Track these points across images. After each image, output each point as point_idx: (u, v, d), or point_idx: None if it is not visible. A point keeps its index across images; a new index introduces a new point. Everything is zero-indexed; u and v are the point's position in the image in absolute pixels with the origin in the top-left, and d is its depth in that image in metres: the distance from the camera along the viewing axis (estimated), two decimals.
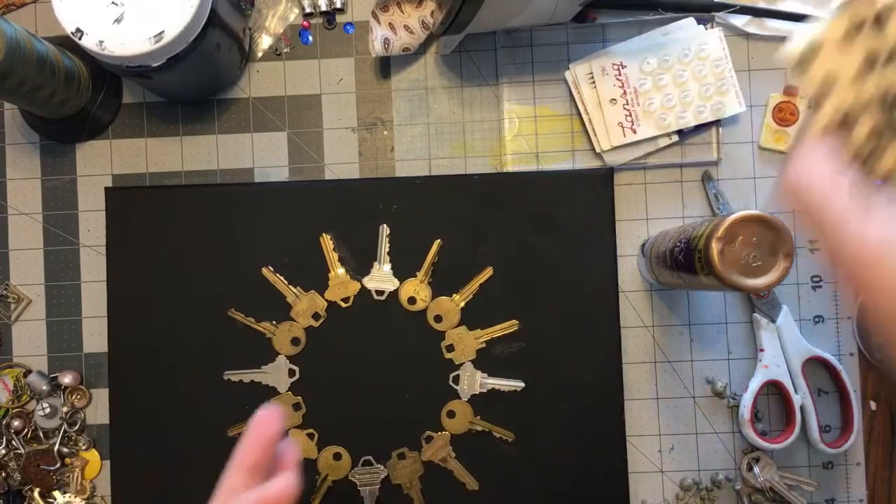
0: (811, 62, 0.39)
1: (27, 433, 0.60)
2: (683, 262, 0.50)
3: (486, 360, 0.58)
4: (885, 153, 0.37)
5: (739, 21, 0.60)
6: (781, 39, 0.61)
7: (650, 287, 0.60)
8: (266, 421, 0.42)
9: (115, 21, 0.49)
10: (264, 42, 0.61)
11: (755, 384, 0.58)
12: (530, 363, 0.58)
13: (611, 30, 0.61)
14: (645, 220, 0.60)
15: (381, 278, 0.58)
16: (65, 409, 0.59)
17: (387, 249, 0.58)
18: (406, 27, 0.59)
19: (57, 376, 0.59)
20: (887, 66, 0.37)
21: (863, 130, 0.37)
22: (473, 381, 0.58)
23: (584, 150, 0.61)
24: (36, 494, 0.59)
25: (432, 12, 0.58)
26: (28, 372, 0.60)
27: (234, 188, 0.60)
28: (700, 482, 0.60)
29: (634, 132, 0.59)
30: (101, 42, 0.49)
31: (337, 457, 0.58)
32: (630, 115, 0.59)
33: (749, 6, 0.59)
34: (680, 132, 0.59)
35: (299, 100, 0.61)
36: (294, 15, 0.61)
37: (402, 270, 0.58)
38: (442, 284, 0.58)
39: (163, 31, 0.49)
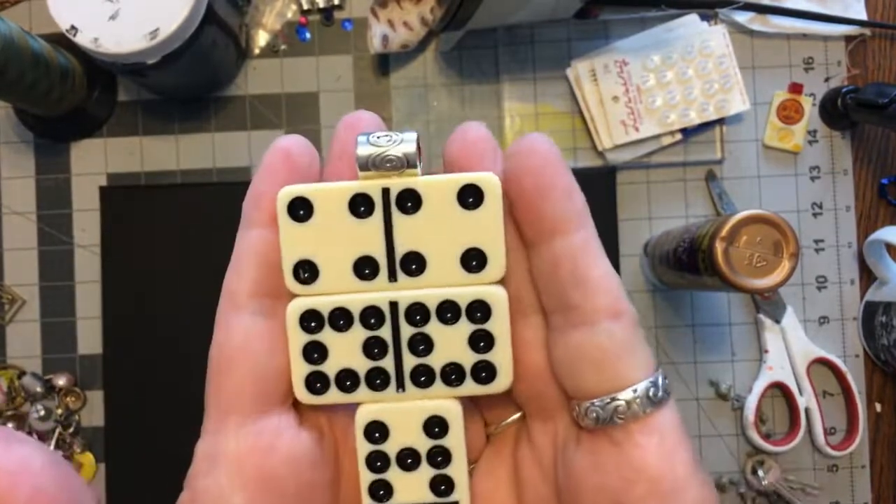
0: None
1: None
2: (687, 262, 0.49)
3: None
4: None
5: (743, 18, 0.59)
6: (786, 37, 0.60)
7: (653, 287, 0.59)
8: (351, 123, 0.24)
9: (109, 18, 0.48)
10: (261, 39, 0.60)
11: (759, 386, 0.57)
12: None
13: (613, 27, 0.60)
14: (648, 220, 0.60)
15: None
16: (59, 412, 0.59)
17: None
18: (405, 24, 0.58)
19: (51, 378, 0.59)
20: None
21: None
22: None
23: (585, 149, 0.60)
24: None
25: (432, 9, 0.58)
26: (22, 374, 0.59)
27: (231, 187, 0.59)
28: None
29: (637, 130, 0.58)
30: (96, 39, 0.48)
31: None
32: (632, 113, 0.58)
33: (753, 3, 0.58)
34: (683, 130, 0.59)
35: (297, 97, 0.60)
36: (291, 11, 0.61)
37: None
38: None
39: (158, 29, 0.48)
